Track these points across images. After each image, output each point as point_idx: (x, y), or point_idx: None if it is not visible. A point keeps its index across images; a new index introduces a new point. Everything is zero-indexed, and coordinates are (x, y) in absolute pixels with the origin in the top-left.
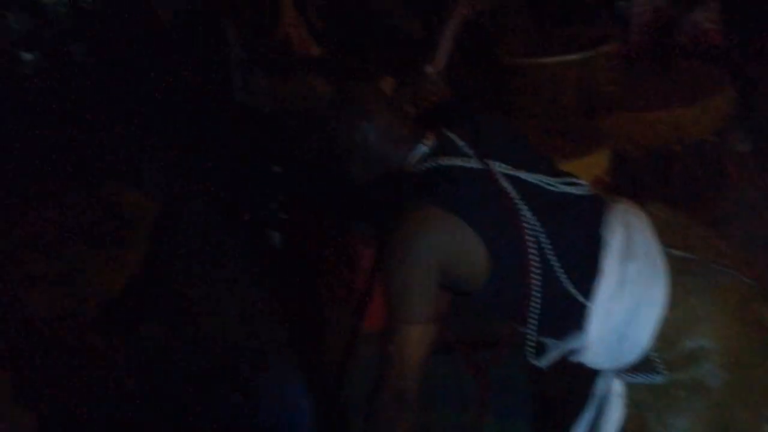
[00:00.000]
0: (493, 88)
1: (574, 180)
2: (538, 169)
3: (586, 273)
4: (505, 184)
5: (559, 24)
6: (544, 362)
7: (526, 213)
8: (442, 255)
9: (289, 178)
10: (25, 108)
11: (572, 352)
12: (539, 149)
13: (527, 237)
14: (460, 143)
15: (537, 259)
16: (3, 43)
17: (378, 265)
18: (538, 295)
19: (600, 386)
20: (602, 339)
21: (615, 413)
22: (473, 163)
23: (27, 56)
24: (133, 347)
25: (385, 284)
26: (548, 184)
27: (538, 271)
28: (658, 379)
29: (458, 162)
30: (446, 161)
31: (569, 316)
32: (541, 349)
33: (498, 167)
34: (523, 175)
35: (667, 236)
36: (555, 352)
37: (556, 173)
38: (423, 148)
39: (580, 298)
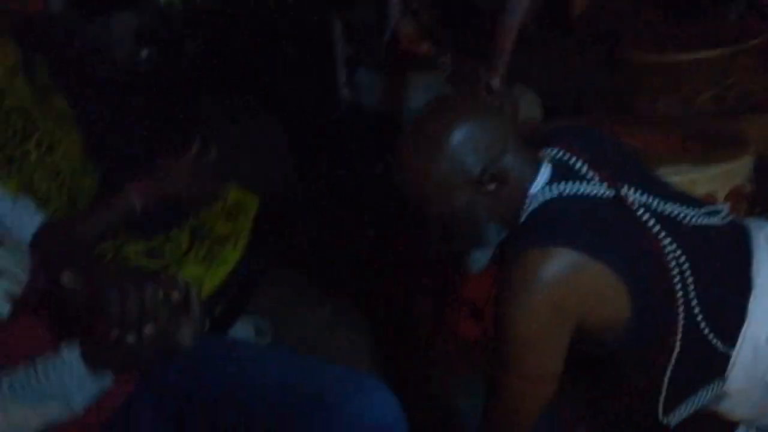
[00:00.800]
0: (616, 89)
1: (711, 208)
2: (669, 196)
3: (731, 318)
4: (642, 212)
5: (694, 17)
6: (674, 419)
7: (672, 248)
8: (574, 304)
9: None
10: (137, 103)
11: (707, 403)
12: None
13: (673, 278)
14: (579, 164)
15: (682, 303)
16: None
17: (493, 305)
18: (679, 343)
19: None
20: (746, 389)
21: None
22: (601, 189)
23: (144, 52)
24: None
25: (500, 330)
26: (685, 215)
27: (683, 318)
28: None
29: (584, 188)
30: (570, 188)
31: (708, 364)
32: (669, 404)
33: (632, 194)
34: (657, 202)
35: None
36: (689, 406)
37: (687, 200)
38: (548, 170)
39: (721, 347)
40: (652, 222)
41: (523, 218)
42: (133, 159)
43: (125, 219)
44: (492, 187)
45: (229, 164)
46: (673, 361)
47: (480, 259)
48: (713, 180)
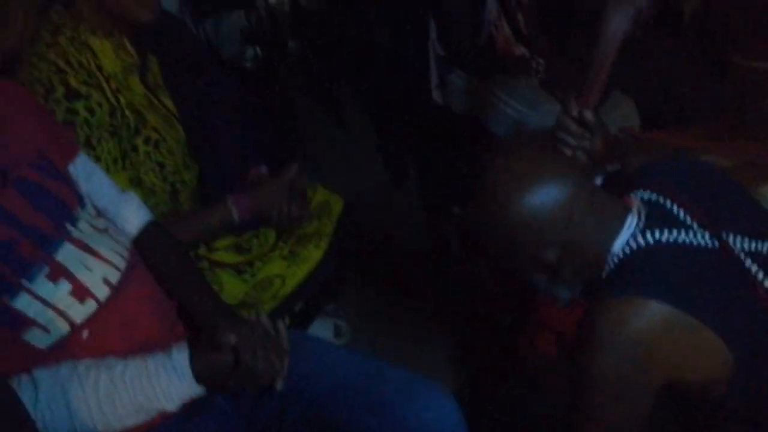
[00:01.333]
0: (726, 97)
1: None
2: None
3: None
4: (748, 263)
5: None
6: None
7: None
8: (662, 360)
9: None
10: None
11: None
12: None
13: None
14: (676, 209)
15: None
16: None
17: (573, 352)
18: None
19: None
20: None
21: None
22: (701, 238)
23: (249, 51)
24: None
25: (579, 379)
26: None
27: None
28: None
29: (682, 236)
30: (666, 235)
31: None
32: None
33: (734, 241)
34: (765, 246)
35: None
36: None
37: None
38: (634, 220)
39: None
40: (759, 272)
41: (611, 267)
42: (230, 160)
43: (223, 227)
44: (548, 266)
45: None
46: None
47: (564, 295)
48: None
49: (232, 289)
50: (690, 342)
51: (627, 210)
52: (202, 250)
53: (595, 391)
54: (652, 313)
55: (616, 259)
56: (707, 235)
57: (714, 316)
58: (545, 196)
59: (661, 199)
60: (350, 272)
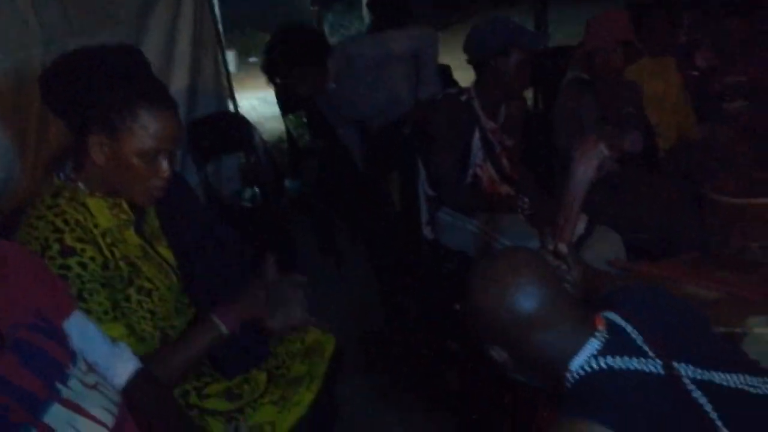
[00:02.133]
0: (706, 229)
1: None
2: (733, 365)
3: None
4: (697, 394)
5: None
6: None
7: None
8: None
9: None
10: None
11: None
12: (725, 339)
13: None
14: (635, 335)
15: None
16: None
17: None
18: None
19: None
20: None
21: None
22: (653, 366)
23: (247, 191)
24: None
25: None
26: (750, 386)
27: None
28: None
29: (634, 364)
30: (619, 363)
31: None
32: None
33: (687, 370)
34: (717, 376)
35: None
36: None
37: (756, 369)
38: (595, 344)
39: None
40: (708, 406)
41: (570, 383)
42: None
43: (214, 345)
44: (516, 359)
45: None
46: None
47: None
48: None
49: None
50: None
51: (592, 331)
52: (193, 398)
53: None
54: None
55: (576, 376)
56: (660, 365)
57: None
58: (522, 295)
59: (624, 324)
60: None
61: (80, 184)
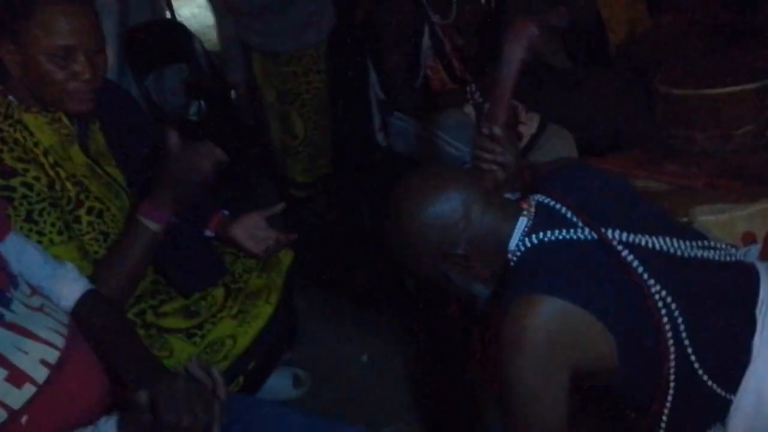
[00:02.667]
0: (654, 123)
1: (711, 243)
2: (662, 231)
3: (730, 360)
4: (626, 253)
5: (735, 48)
6: None
7: (656, 288)
8: (564, 350)
9: None
10: None
11: None
12: (655, 203)
13: (661, 319)
14: (563, 210)
15: (673, 346)
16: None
17: (493, 366)
18: (673, 387)
19: None
20: (749, 429)
21: None
22: (582, 234)
23: (194, 104)
24: None
25: (504, 386)
26: (678, 249)
27: (674, 361)
28: None
29: (564, 234)
30: (550, 235)
31: (707, 409)
32: None
33: (614, 234)
34: (645, 239)
35: None
36: None
37: (685, 233)
38: (524, 222)
39: (720, 391)
40: (636, 262)
41: (507, 273)
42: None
43: (150, 245)
44: (459, 259)
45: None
46: (668, 404)
47: (481, 292)
48: (753, 218)
49: (182, 354)
50: (583, 332)
51: (519, 211)
52: (150, 317)
53: (517, 393)
54: (547, 307)
55: (514, 258)
56: (587, 230)
57: (601, 307)
58: (441, 201)
59: (552, 203)
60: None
61: (11, 98)
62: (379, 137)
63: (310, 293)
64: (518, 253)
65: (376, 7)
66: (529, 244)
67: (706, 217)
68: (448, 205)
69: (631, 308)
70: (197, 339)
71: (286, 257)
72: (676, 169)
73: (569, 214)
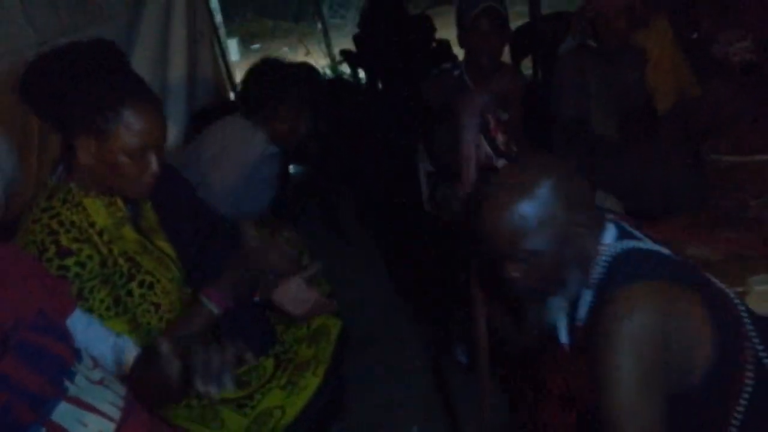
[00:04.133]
0: (703, 189)
1: None
2: None
3: None
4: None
5: None
6: None
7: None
8: (675, 341)
9: None
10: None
11: None
12: None
13: (741, 315)
14: (631, 228)
15: (749, 343)
16: None
17: (592, 365)
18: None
19: None
20: None
21: None
22: (660, 247)
23: None
24: None
25: (608, 383)
26: None
27: (751, 356)
28: None
29: (649, 245)
30: (640, 244)
31: None
32: None
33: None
34: None
35: None
36: None
37: None
38: (613, 229)
39: None
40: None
41: (600, 272)
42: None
43: (207, 324)
44: (581, 230)
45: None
46: (743, 402)
47: (556, 309)
48: None
49: (232, 424)
50: (690, 316)
51: (605, 219)
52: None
53: (628, 390)
54: (655, 292)
55: (613, 251)
56: (658, 245)
57: (702, 291)
58: (559, 181)
59: (620, 220)
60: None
61: (72, 185)
62: (427, 206)
63: (358, 360)
64: (612, 253)
65: (426, 87)
66: (625, 247)
67: (762, 287)
68: (576, 182)
69: (719, 300)
70: (248, 410)
71: (335, 327)
72: (730, 235)
73: (638, 233)
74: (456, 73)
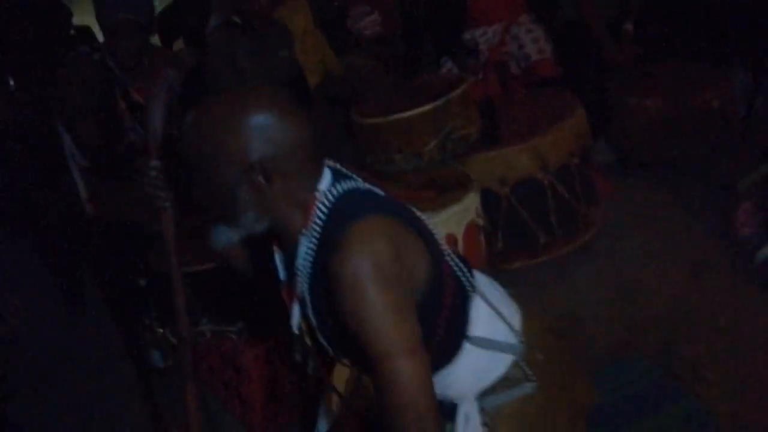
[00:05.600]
0: (354, 149)
1: None
2: None
3: None
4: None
5: (408, 75)
6: None
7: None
8: (404, 259)
9: None
10: None
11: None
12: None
13: (437, 242)
14: (344, 169)
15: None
16: None
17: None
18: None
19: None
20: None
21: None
22: (366, 185)
23: None
24: None
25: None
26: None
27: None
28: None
29: (359, 184)
30: (353, 184)
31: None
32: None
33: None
34: None
35: None
36: None
37: None
38: (328, 172)
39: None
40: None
41: (322, 215)
42: None
43: None
44: (259, 179)
45: None
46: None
47: (221, 236)
48: (449, 221)
49: None
50: (410, 246)
51: (320, 164)
52: None
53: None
54: (382, 223)
55: (330, 197)
56: (368, 183)
57: (413, 226)
58: (268, 121)
59: (335, 164)
60: None
61: None
62: (89, 208)
63: None
64: (329, 198)
65: (59, 75)
66: (341, 190)
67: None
68: (291, 127)
69: (422, 225)
70: None
71: None
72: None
73: (349, 172)
74: (96, 57)
